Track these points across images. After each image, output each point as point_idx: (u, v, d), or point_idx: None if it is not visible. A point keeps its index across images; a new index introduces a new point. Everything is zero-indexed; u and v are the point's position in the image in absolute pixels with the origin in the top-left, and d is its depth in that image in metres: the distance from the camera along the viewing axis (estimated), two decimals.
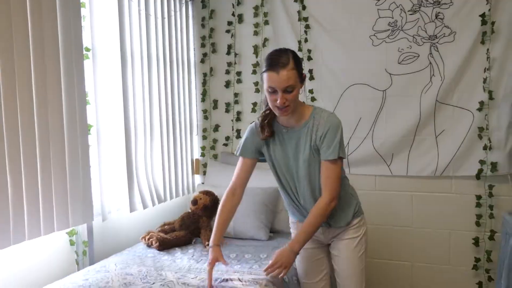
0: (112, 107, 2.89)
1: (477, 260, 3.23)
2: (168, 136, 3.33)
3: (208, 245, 2.74)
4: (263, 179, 3.29)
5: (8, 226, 2.11)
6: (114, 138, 2.89)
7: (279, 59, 2.07)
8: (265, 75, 2.08)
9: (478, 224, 3.21)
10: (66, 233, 2.61)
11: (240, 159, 2.38)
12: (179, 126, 3.48)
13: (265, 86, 2.10)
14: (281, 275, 2.12)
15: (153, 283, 2.24)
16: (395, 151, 3.35)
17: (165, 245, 2.76)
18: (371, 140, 3.40)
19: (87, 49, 2.71)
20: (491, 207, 3.18)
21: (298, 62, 2.12)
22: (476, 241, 3.22)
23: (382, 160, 3.38)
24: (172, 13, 3.42)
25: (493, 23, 3.09)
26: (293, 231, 2.48)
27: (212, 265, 2.19)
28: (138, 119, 3.03)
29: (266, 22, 3.58)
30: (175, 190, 3.39)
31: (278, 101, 2.05)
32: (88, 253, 2.69)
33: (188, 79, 3.63)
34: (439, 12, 3.21)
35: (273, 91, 2.07)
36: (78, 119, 2.52)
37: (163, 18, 3.30)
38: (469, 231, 3.25)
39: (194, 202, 3.02)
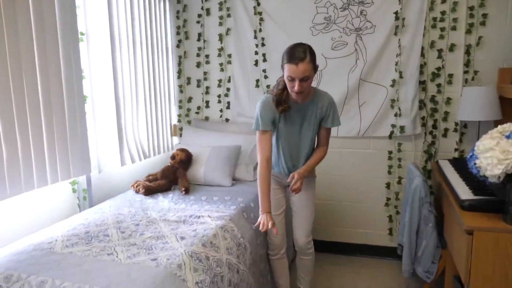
0: (104, 81, 2.74)
1: (388, 199, 3.32)
2: (151, 105, 3.21)
3: (184, 191, 2.72)
4: (227, 139, 3.27)
5: (19, 177, 2.00)
6: (106, 106, 2.76)
7: (298, 53, 2.03)
8: (286, 66, 2.05)
9: (389, 172, 3.28)
10: (69, 183, 2.50)
11: (261, 134, 2.22)
12: (160, 97, 3.36)
13: (285, 74, 2.07)
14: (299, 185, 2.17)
15: (140, 220, 2.18)
16: None
17: (149, 191, 2.70)
18: None
19: (82, 34, 2.55)
20: (399, 159, 3.25)
21: (313, 56, 2.09)
22: (388, 185, 3.30)
23: None
24: (153, 6, 3.25)
25: (403, 19, 3.09)
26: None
27: (267, 226, 2.06)
28: (126, 92, 2.90)
29: (229, 15, 3.47)
30: (157, 148, 3.30)
31: (295, 88, 2.05)
32: (87, 198, 2.60)
33: (166, 61, 3.48)
34: (363, 10, 3.18)
35: (291, 80, 2.06)
36: (76, 91, 2.38)
37: (145, 10, 3.14)
38: (382, 177, 3.32)
39: (173, 157, 2.95)
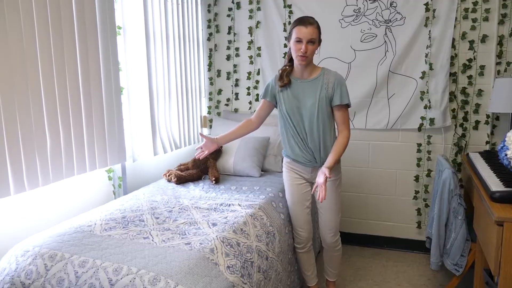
0: (139, 73, 2.82)
1: (417, 192, 3.29)
2: (182, 97, 3.29)
3: (214, 180, 2.77)
4: (256, 131, 3.30)
5: (61, 164, 2.10)
6: (141, 98, 2.84)
7: (307, 18, 2.14)
8: (295, 30, 2.12)
9: (418, 165, 3.25)
10: (105, 171, 2.60)
11: (261, 101, 2.43)
12: (191, 89, 3.43)
13: (293, 38, 2.14)
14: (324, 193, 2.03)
15: (173, 207, 2.25)
16: (357, 110, 3.34)
17: (181, 180, 2.77)
18: None
19: (119, 27, 2.63)
20: (428, 152, 3.20)
21: (319, 27, 2.19)
22: (417, 178, 3.26)
23: None
24: (185, 0, 3.31)
25: (434, 10, 3.04)
26: (285, 170, 2.42)
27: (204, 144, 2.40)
28: (159, 84, 2.98)
29: (259, 9, 3.49)
30: (188, 139, 3.37)
31: (302, 49, 2.10)
32: (122, 186, 2.69)
33: (197, 53, 3.55)
34: (393, 1, 3.14)
35: (299, 41, 2.11)
36: (113, 83, 2.47)
37: (178, 4, 3.20)
38: (411, 170, 3.28)
39: None
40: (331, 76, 2.23)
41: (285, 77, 2.24)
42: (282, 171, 3.06)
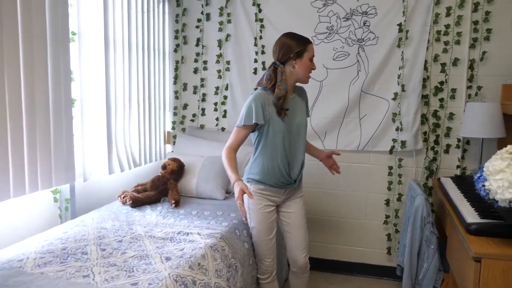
0: (96, 84, 2.57)
1: (387, 217, 3.15)
2: (145, 111, 3.05)
3: (174, 203, 2.54)
4: (221, 150, 3.11)
5: None
6: (96, 110, 2.59)
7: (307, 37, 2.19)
8: (309, 47, 2.13)
9: (389, 189, 3.12)
10: (51, 191, 2.32)
11: (244, 129, 2.12)
12: (154, 103, 3.20)
13: (307, 56, 2.12)
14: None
15: (124, 236, 2.00)
16: (327, 130, 3.19)
17: (137, 203, 2.51)
18: (309, 120, 3.23)
19: (73, 33, 2.39)
20: (400, 175, 3.09)
21: None
22: (387, 202, 3.14)
23: (317, 136, 3.22)
24: (151, 8, 3.10)
25: (407, 31, 2.96)
26: (255, 197, 2.16)
27: (241, 198, 1.97)
28: (118, 95, 2.74)
29: (229, 21, 3.32)
30: (149, 156, 3.12)
31: (314, 66, 2.16)
32: (70, 209, 2.41)
33: (163, 65, 3.33)
34: (366, 20, 3.04)
35: (312, 59, 2.15)
36: (63, 94, 2.22)
37: (142, 12, 2.98)
38: (382, 194, 3.15)
39: (164, 167, 2.77)
40: (302, 91, 2.28)
41: (285, 103, 2.11)
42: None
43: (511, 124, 2.66)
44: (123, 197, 2.55)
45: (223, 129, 3.43)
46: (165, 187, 2.69)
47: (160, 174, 2.79)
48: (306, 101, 2.30)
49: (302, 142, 2.21)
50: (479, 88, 2.88)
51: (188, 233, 2.06)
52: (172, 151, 3.38)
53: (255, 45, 3.25)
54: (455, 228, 2.07)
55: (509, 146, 1.81)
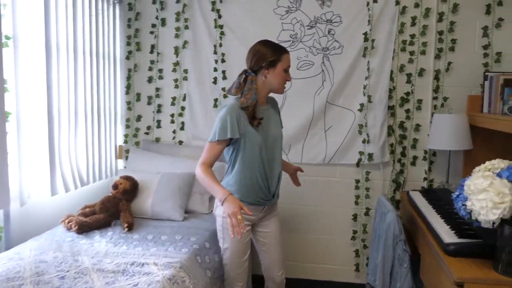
0: (35, 95, 2.28)
1: (355, 232, 3.04)
2: (93, 123, 2.77)
3: (127, 227, 2.28)
4: (180, 164, 2.88)
5: None
6: (36, 124, 2.29)
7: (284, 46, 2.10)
8: (284, 56, 2.03)
9: (356, 203, 3.01)
10: None
11: (217, 144, 1.96)
12: (104, 115, 2.92)
13: (282, 66, 2.03)
14: None
15: (67, 271, 1.72)
16: (292, 142, 3.04)
17: (84, 228, 2.24)
18: None
19: (7, 37, 2.10)
20: (367, 189, 2.99)
21: None
22: (355, 217, 3.02)
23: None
24: (100, 12, 2.83)
25: (373, 40, 2.89)
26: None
27: (239, 213, 1.78)
28: (62, 107, 2.45)
29: (186, 27, 3.11)
30: (98, 173, 2.83)
31: (289, 77, 2.07)
32: (4, 238, 2.09)
33: (114, 73, 3.06)
34: (331, 29, 2.94)
35: (287, 70, 2.06)
36: None
37: (90, 15, 2.71)
38: (349, 208, 3.04)
39: (115, 186, 2.50)
40: (274, 102, 2.21)
41: (257, 113, 2.00)
42: (209, 212, 2.71)
43: (477, 135, 2.64)
44: (68, 222, 2.26)
45: (180, 142, 3.20)
46: (116, 209, 2.42)
47: (111, 194, 2.51)
48: (278, 112, 2.23)
49: (279, 154, 2.13)
50: (445, 99, 2.85)
51: (143, 264, 1.82)
52: (125, 167, 3.11)
53: (215, 52, 3.06)
54: (430, 247, 1.99)
55: (487, 163, 1.73)
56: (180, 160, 2.92)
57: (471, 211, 1.62)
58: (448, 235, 1.88)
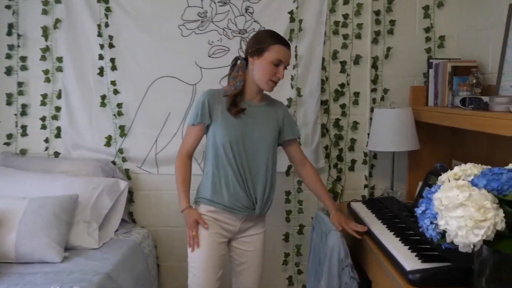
0: None
1: (287, 255, 2.82)
2: None
3: None
4: (56, 184, 2.44)
5: None
6: None
7: (284, 38, 2.07)
8: (274, 47, 1.98)
9: (288, 220, 2.79)
10: None
11: (192, 128, 2.08)
12: None
13: (269, 57, 1.97)
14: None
15: None
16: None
17: None
18: (181, 137, 2.73)
19: None
20: (300, 202, 2.79)
21: None
22: (286, 237, 2.81)
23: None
24: None
25: (300, 21, 2.69)
26: (208, 223, 2.03)
27: (196, 227, 2.00)
28: None
29: (58, 1, 2.65)
30: None
31: (280, 74, 2.00)
32: None
33: None
34: (248, 6, 2.72)
35: (277, 64, 1.99)
36: None
37: None
38: (279, 226, 2.81)
39: None
40: (277, 105, 2.17)
41: (239, 103, 2.03)
42: (100, 247, 2.36)
43: (420, 132, 2.57)
44: None
45: (56, 154, 2.77)
46: None
47: None
48: (281, 117, 2.13)
49: (263, 159, 2.06)
50: (385, 91, 2.76)
51: None
52: None
53: (99, 35, 2.69)
54: (386, 274, 1.81)
55: (456, 168, 1.56)
56: (57, 178, 2.54)
57: (443, 231, 1.44)
58: (409, 260, 1.71)
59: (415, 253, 1.77)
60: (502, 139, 2.17)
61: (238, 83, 2.02)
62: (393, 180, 2.62)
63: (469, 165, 1.56)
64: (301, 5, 2.68)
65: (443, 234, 1.47)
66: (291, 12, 2.67)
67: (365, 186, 2.80)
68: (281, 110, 2.16)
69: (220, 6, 2.70)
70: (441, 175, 2.42)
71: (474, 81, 2.30)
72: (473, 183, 1.46)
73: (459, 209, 1.38)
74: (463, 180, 1.51)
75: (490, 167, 1.54)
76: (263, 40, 2.01)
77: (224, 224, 2.06)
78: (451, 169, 2.72)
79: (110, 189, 2.55)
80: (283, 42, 2.02)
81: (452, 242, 1.42)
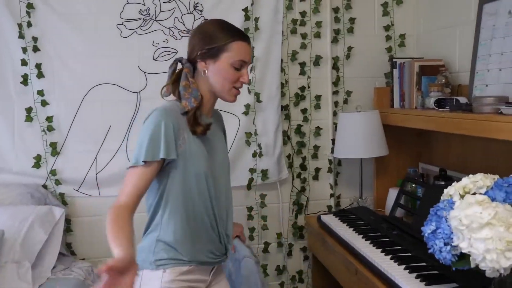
0: None
1: None
2: None
3: None
4: None
5: None
6: None
7: (242, 30, 1.60)
8: (235, 45, 1.49)
9: (251, 238, 2.53)
10: None
11: (144, 168, 1.40)
12: None
13: (230, 59, 1.48)
14: None
15: None
16: None
17: None
18: (125, 153, 2.40)
19: None
20: (264, 218, 2.54)
21: None
22: None
23: None
24: None
25: (256, 19, 2.46)
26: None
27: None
28: None
29: None
30: None
31: (245, 78, 1.52)
32: None
33: None
34: (197, 3, 2.45)
35: (241, 66, 1.51)
36: None
37: None
38: None
39: None
40: (218, 115, 1.72)
41: (199, 118, 1.50)
42: None
43: (391, 137, 2.43)
44: None
45: None
46: None
47: None
48: (224, 131, 1.73)
49: (229, 187, 1.66)
50: (348, 93, 2.60)
51: None
52: None
53: (21, 36, 2.29)
54: None
55: (464, 180, 1.37)
56: None
57: (464, 254, 1.25)
58: (412, 284, 1.52)
59: (414, 274, 1.59)
60: (474, 140, 2.08)
61: (195, 93, 1.51)
62: (363, 188, 2.46)
63: (479, 175, 1.38)
64: (256, 2, 2.45)
65: (459, 256, 1.30)
66: (245, 9, 2.42)
67: (331, 195, 2.62)
68: (221, 121, 1.75)
69: (165, 2, 2.40)
70: (415, 180, 2.27)
71: (443, 80, 2.18)
72: (490, 197, 1.30)
73: (485, 229, 1.20)
74: (475, 193, 1.35)
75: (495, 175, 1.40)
76: (216, 37, 1.52)
77: (197, 281, 1.57)
78: (420, 173, 2.59)
79: (42, 219, 2.14)
80: (243, 37, 1.54)
81: (477, 267, 1.25)
